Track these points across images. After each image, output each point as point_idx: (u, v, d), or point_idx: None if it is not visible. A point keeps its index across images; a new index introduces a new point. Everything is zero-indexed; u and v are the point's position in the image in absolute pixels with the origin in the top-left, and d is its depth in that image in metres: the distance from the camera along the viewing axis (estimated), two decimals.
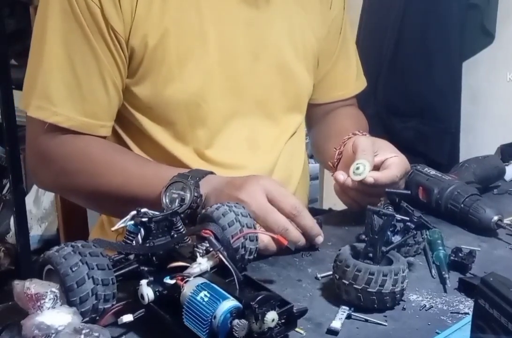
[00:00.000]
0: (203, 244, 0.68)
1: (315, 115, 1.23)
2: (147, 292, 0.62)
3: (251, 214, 0.75)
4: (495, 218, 0.93)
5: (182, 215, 0.78)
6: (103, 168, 0.93)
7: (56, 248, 0.62)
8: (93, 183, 0.94)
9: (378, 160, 0.93)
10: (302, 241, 0.83)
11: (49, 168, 0.97)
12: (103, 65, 0.93)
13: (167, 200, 0.83)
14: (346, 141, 1.00)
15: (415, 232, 0.80)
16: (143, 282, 0.63)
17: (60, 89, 0.92)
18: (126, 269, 0.66)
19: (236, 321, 0.56)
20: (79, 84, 0.93)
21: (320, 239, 0.85)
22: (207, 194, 0.84)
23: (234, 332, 0.56)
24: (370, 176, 0.88)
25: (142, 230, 0.68)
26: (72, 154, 0.95)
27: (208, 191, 0.85)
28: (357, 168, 0.89)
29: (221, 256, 0.65)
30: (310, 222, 0.83)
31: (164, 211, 0.70)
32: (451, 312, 0.72)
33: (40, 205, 2.44)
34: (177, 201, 0.82)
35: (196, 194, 0.81)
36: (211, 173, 0.88)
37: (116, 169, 0.93)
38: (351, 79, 1.24)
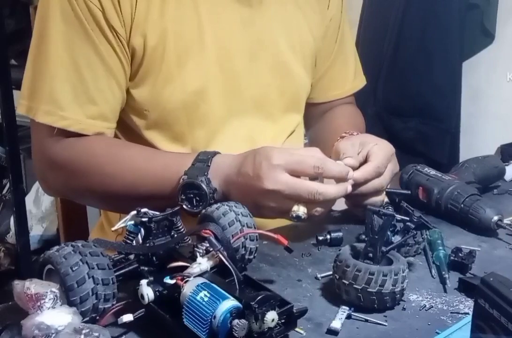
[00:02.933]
0: (203, 244, 0.68)
1: (313, 115, 1.23)
2: (147, 292, 0.62)
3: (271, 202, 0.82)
4: (495, 218, 0.93)
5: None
6: (112, 168, 0.93)
7: (56, 247, 0.62)
8: (105, 184, 0.93)
9: (362, 156, 0.92)
10: (341, 191, 0.84)
11: (58, 172, 0.96)
12: (108, 66, 0.93)
13: (185, 202, 0.84)
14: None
15: (415, 232, 0.80)
16: (143, 282, 0.63)
17: (67, 93, 0.92)
18: (126, 269, 0.66)
19: (236, 321, 0.56)
20: (85, 86, 0.92)
21: (351, 174, 0.86)
22: (225, 189, 0.86)
23: (234, 332, 0.56)
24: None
25: (142, 230, 0.68)
26: (79, 157, 0.94)
27: (221, 183, 0.86)
28: None
29: (221, 256, 0.65)
30: (335, 171, 0.84)
31: (165, 211, 0.70)
32: (451, 312, 0.72)
33: (40, 205, 2.43)
34: (194, 200, 0.84)
35: (211, 191, 0.84)
36: (213, 156, 0.88)
37: (126, 167, 0.93)
38: (349, 78, 1.23)
